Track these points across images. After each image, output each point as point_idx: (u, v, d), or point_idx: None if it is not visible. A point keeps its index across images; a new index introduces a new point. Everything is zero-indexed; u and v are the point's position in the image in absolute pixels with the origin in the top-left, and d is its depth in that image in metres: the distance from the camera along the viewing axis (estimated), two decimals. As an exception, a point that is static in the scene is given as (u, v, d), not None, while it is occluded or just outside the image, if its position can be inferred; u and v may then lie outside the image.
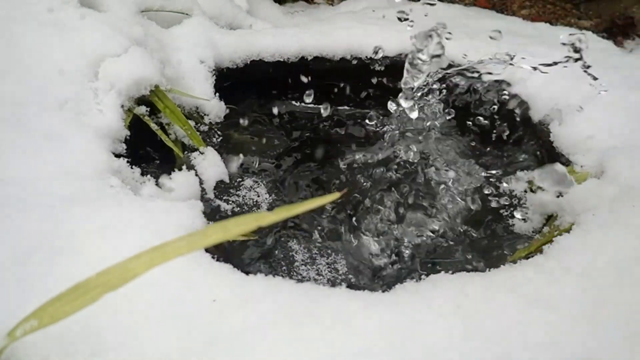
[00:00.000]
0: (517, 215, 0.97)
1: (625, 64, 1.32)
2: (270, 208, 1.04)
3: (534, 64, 1.04)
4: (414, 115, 0.94)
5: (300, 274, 0.91)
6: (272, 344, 0.57)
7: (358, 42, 1.37)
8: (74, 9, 1.06)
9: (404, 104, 0.92)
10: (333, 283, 0.89)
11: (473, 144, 1.22)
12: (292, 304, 0.61)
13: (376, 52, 1.21)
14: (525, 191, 1.01)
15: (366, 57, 1.33)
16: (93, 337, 0.56)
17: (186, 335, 0.57)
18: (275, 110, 1.27)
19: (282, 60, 1.32)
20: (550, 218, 0.93)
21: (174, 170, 0.99)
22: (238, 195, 1.06)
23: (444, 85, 1.09)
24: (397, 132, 1.05)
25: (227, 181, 1.06)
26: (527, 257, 0.79)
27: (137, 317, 0.58)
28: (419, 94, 0.95)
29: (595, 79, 0.97)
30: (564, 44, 0.87)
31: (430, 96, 1.00)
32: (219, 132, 1.15)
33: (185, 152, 1.05)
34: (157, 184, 0.91)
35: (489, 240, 0.97)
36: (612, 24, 1.77)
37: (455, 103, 1.32)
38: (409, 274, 0.91)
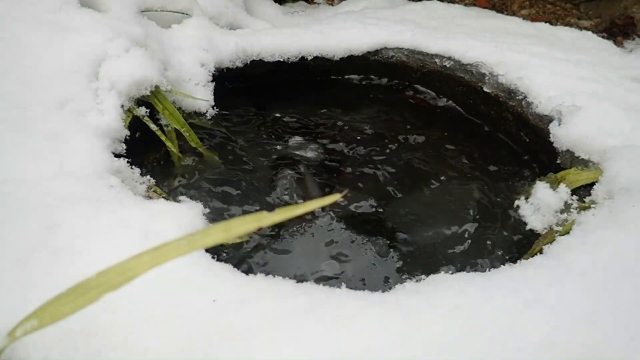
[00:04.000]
0: None
1: (625, 64, 1.32)
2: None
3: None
4: None
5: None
6: (272, 344, 0.57)
7: (358, 42, 1.37)
8: (74, 9, 1.06)
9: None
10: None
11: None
12: (292, 304, 0.61)
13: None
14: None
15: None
16: (93, 337, 0.56)
17: (186, 335, 0.57)
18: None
19: (282, 60, 1.32)
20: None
21: (171, 171, 0.99)
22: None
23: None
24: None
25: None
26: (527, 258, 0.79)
27: (137, 317, 0.58)
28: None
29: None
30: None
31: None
32: (215, 137, 1.15)
33: (184, 155, 1.05)
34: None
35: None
36: (612, 24, 1.77)
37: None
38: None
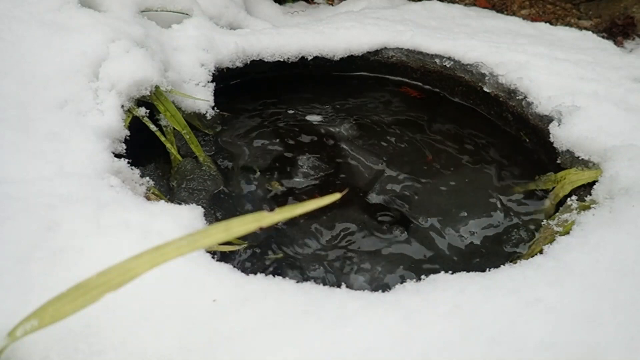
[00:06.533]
0: None
1: (625, 64, 1.32)
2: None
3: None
4: None
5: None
6: (272, 344, 0.57)
7: (358, 42, 1.37)
8: (74, 9, 1.06)
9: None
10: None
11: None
12: (292, 304, 0.61)
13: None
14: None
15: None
16: (93, 337, 0.56)
17: (186, 335, 0.57)
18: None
19: (282, 60, 1.32)
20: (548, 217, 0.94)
21: (170, 173, 0.98)
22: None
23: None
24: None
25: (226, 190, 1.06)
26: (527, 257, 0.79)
27: (137, 317, 0.58)
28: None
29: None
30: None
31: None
32: (215, 140, 1.15)
33: (184, 158, 1.05)
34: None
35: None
36: (612, 24, 1.77)
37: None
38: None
